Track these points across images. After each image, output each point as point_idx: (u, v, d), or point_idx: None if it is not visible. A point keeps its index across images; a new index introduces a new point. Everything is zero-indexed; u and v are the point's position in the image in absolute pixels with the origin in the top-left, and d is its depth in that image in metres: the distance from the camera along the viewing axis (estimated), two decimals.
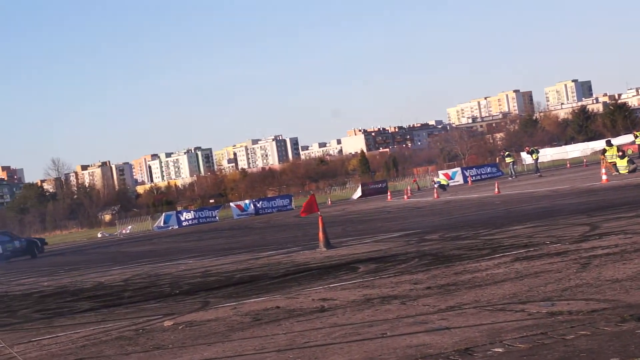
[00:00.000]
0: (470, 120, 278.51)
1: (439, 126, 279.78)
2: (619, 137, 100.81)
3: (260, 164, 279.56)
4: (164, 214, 73.70)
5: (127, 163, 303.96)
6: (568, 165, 73.92)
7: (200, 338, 9.65)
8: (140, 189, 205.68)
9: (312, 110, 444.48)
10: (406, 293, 11.02)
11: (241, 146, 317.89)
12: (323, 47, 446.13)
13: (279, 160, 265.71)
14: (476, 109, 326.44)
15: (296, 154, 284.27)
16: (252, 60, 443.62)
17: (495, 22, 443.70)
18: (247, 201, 75.16)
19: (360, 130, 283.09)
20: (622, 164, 38.86)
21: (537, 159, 59.57)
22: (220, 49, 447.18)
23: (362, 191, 75.37)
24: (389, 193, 62.13)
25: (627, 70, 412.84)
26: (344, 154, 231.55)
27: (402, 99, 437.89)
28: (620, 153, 41.02)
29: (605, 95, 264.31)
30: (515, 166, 66.76)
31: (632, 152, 58.81)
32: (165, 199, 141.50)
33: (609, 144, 42.19)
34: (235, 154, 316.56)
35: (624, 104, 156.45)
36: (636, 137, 65.48)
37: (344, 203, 65.41)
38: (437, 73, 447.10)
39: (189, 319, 11.38)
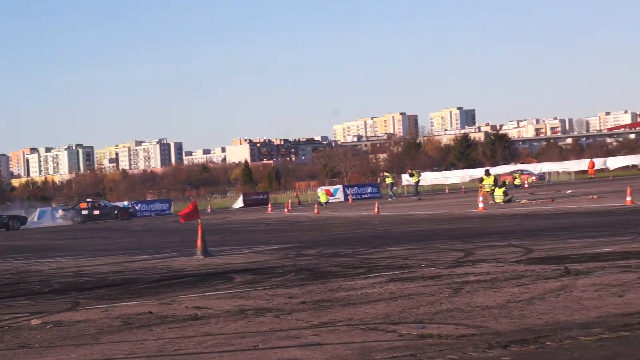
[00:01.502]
0: (355, 139, 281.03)
1: (325, 142, 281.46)
2: (498, 166, 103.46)
3: (142, 166, 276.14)
4: (38, 210, 72.02)
5: (4, 155, 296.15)
6: (447, 190, 75.37)
7: (68, 339, 9.46)
8: (15, 182, 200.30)
9: (198, 116, 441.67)
10: (281, 306, 11.04)
11: (124, 147, 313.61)
12: (215, 53, 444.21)
13: (162, 164, 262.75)
14: (362, 128, 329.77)
15: (179, 158, 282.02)
16: (140, 61, 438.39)
17: (388, 45, 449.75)
18: (125, 202, 74.17)
19: (245, 140, 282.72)
20: (499, 194, 39.81)
21: (417, 182, 60.46)
22: (112, 48, 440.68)
23: (244, 201, 75.24)
24: (269, 205, 62.20)
25: (509, 103, 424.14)
26: (227, 162, 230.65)
27: (290, 112, 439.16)
28: (501, 183, 42.19)
29: (487, 125, 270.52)
30: (394, 188, 67.76)
31: (509, 182, 60.27)
32: (40, 194, 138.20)
33: (487, 173, 43.18)
34: (117, 154, 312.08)
35: (505, 135, 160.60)
36: (515, 178, 67.36)
37: (225, 212, 65.14)
38: (326, 89, 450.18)
39: (57, 318, 11.15)
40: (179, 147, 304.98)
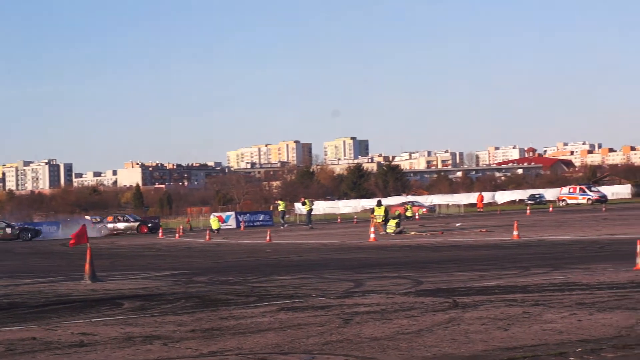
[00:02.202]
0: (249, 166, 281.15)
1: (218, 168, 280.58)
2: (390, 197, 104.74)
3: (30, 187, 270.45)
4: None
5: None
6: (339, 220, 75.76)
7: None
8: None
9: (90, 138, 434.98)
10: (169, 334, 10.91)
11: (11, 166, 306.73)
12: (108, 75, 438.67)
13: (51, 185, 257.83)
14: (256, 155, 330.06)
15: (69, 180, 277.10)
16: (31, 78, 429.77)
17: (283, 73, 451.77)
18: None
19: (137, 164, 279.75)
20: (392, 225, 40.20)
21: (309, 210, 60.58)
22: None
23: None
24: (160, 230, 61.53)
25: (402, 135, 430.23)
26: (118, 185, 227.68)
27: (184, 137, 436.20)
28: (397, 214, 42.86)
29: (380, 155, 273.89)
30: (286, 215, 67.91)
31: (400, 213, 61.02)
32: None
33: (379, 204, 43.64)
34: (4, 174, 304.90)
35: (397, 166, 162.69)
36: (406, 209, 68.28)
37: (114, 236, 64.14)
38: (220, 115, 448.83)
39: None
40: (68, 168, 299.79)
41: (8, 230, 59.73)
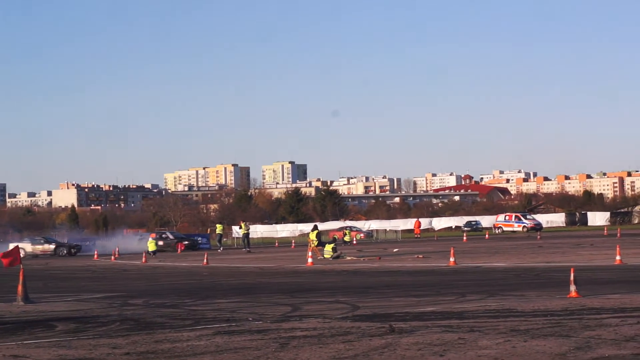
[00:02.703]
0: (186, 188, 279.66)
1: (155, 190, 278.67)
2: (327, 222, 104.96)
3: None
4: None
5: None
6: (277, 244, 75.67)
7: None
8: None
9: (24, 158, 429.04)
10: (103, 357, 10.79)
11: None
12: (43, 96, 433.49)
13: None
14: (194, 178, 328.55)
15: (2, 200, 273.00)
16: None
17: (221, 96, 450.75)
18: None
19: (73, 185, 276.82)
20: (328, 249, 40.28)
21: (246, 234, 60.37)
22: None
23: None
24: (96, 252, 60.84)
25: (340, 160, 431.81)
26: (53, 206, 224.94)
27: (120, 158, 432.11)
28: (333, 239, 42.99)
29: (318, 180, 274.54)
30: (223, 239, 67.72)
31: (338, 238, 61.09)
32: None
33: (314, 228, 43.79)
34: None
35: (335, 191, 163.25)
36: (345, 234, 68.48)
37: (48, 257, 63.28)
38: (157, 137, 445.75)
39: None
40: (2, 188, 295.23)
41: (46, 246, 61.97)
